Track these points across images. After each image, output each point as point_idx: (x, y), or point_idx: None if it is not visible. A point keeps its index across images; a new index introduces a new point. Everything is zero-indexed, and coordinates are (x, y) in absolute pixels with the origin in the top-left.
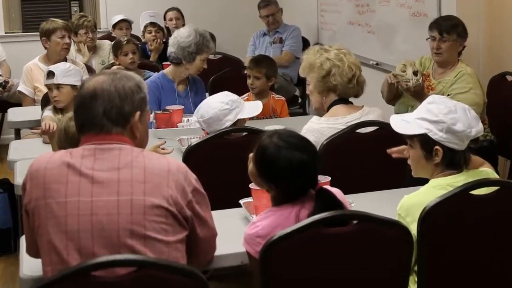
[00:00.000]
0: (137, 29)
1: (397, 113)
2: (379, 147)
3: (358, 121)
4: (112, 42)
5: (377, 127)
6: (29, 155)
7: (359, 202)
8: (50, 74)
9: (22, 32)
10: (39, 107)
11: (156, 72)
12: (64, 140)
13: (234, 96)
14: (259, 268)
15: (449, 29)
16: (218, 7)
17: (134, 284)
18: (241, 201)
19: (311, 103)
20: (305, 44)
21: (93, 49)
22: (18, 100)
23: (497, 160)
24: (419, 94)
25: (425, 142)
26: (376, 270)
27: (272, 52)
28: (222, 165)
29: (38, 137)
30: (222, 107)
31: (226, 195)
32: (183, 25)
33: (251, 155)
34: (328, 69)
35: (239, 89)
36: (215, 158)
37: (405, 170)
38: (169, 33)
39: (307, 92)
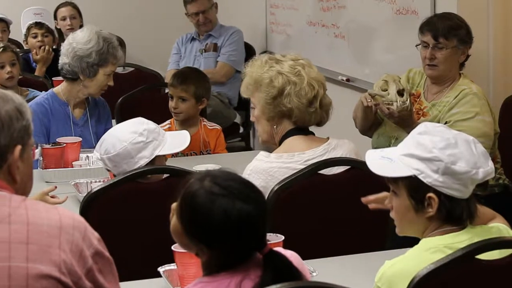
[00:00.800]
0: (17, 32)
1: (375, 148)
2: (351, 195)
3: (322, 158)
4: None
5: (348, 167)
6: None
7: (324, 270)
8: None
9: None
10: None
11: (43, 91)
12: None
13: (151, 125)
14: None
15: (447, 32)
16: (129, 2)
17: None
18: (161, 269)
19: (257, 133)
20: (249, 52)
21: None
22: None
23: None
24: (406, 122)
25: (414, 187)
26: None
27: (203, 64)
28: (134, 219)
29: None
30: (135, 140)
31: (140, 260)
32: (81, 26)
33: (174, 205)
34: (280, 87)
35: (158, 114)
36: (125, 209)
37: (386, 225)
38: (61, 37)
39: (252, 118)
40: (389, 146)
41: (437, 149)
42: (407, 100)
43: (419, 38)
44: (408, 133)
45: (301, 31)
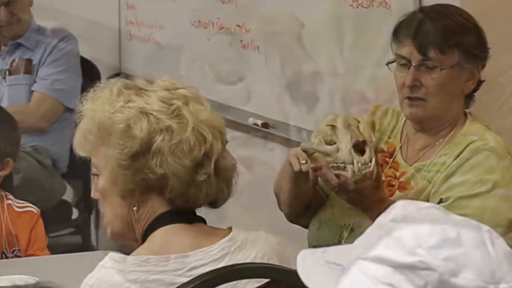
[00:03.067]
0: None
1: (314, 246)
2: None
3: (220, 264)
4: None
5: (266, 280)
6: None
7: None
8: None
9: None
10: None
11: None
12: None
13: None
14: None
15: (442, 40)
16: None
17: None
18: None
19: (104, 220)
20: (89, 74)
21: None
22: None
23: None
24: (368, 199)
25: None
26: None
27: (7, 96)
28: None
29: None
30: None
31: None
32: None
33: None
34: (144, 137)
35: None
36: None
37: None
38: None
39: (94, 194)
40: (339, 242)
41: (425, 248)
42: (371, 161)
43: (393, 50)
44: (373, 219)
45: (181, 38)
